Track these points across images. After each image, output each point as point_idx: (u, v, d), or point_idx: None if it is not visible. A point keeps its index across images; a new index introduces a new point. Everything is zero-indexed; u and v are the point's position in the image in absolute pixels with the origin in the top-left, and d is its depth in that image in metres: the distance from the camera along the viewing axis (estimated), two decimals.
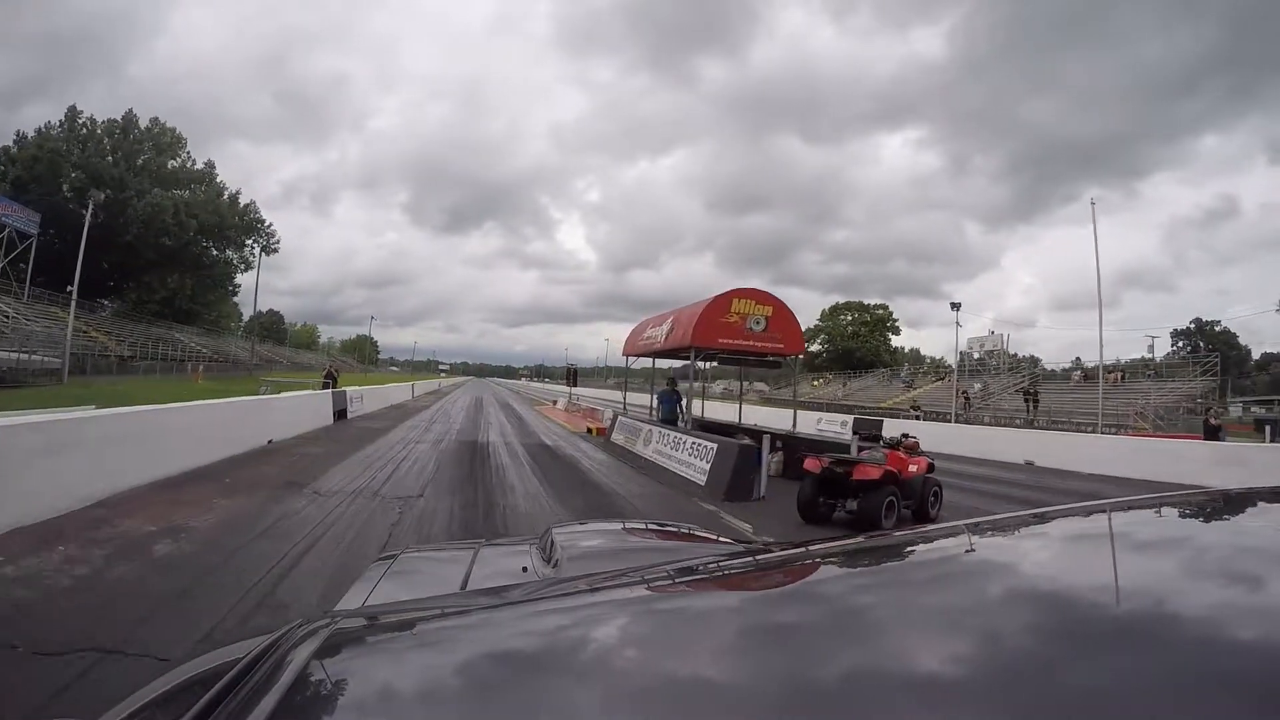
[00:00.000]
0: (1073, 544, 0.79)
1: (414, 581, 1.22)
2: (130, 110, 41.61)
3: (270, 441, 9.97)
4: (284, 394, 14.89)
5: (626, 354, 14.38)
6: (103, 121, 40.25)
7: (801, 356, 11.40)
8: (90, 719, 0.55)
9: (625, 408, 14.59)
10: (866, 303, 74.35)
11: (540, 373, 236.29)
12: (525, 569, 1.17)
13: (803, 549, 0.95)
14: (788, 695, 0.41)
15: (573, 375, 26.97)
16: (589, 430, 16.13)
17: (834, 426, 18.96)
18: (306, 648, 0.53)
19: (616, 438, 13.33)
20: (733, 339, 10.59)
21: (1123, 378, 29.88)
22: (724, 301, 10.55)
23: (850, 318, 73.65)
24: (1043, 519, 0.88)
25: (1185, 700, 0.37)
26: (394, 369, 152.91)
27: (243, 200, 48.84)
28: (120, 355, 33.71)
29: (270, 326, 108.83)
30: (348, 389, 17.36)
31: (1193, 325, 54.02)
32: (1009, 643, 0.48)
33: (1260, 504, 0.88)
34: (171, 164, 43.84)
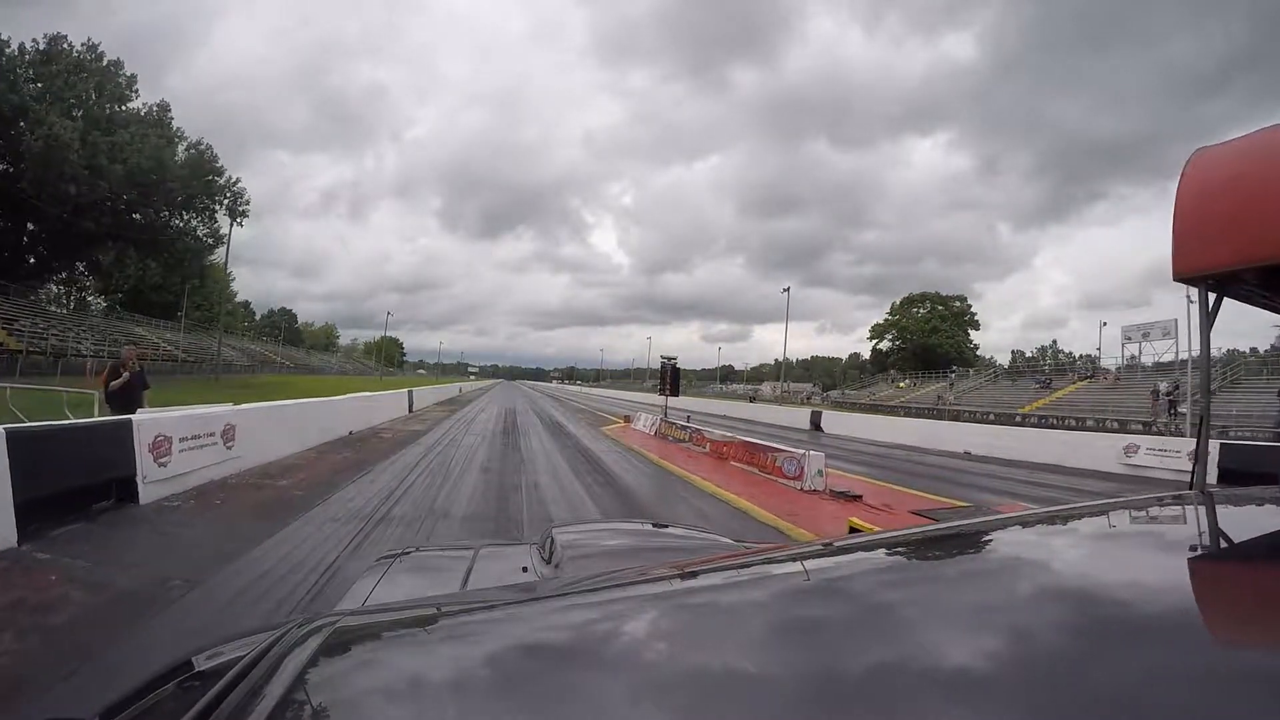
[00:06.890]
0: (1100, 540, 0.79)
1: (415, 581, 1.22)
2: (58, 34, 31.36)
3: None
4: None
5: (1221, 264, 2.81)
6: (17, 47, 29.94)
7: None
8: (89, 719, 0.52)
9: None
10: (943, 294, 64.87)
11: (571, 375, 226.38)
12: (525, 569, 1.18)
13: (808, 547, 0.92)
14: (791, 693, 0.41)
15: (672, 378, 15.09)
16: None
17: (1165, 459, 11.13)
18: (307, 646, 0.52)
19: None
20: None
21: None
22: None
23: (925, 310, 62.91)
24: (1071, 515, 0.87)
25: (1213, 700, 0.36)
26: (421, 372, 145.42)
27: (222, 168, 38.77)
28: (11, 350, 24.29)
29: (282, 325, 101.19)
30: (160, 412, 6.47)
31: None
32: (1026, 640, 0.46)
33: None
34: (123, 110, 34.03)
